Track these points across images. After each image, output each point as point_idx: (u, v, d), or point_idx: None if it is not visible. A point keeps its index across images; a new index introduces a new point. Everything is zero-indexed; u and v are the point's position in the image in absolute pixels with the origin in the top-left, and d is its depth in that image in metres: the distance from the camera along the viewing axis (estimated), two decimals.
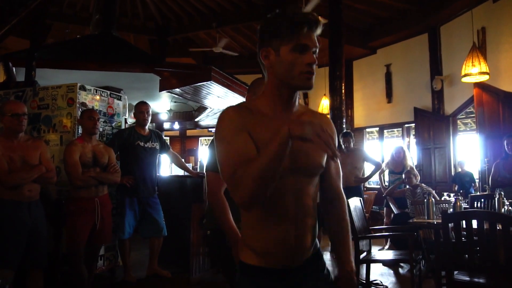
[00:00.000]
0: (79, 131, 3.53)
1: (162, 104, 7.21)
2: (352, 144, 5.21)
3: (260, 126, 1.17)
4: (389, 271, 4.39)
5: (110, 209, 3.41)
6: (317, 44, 1.20)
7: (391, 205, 5.39)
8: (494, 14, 6.37)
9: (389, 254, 3.89)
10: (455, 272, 2.71)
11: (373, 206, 7.13)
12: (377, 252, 3.97)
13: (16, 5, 4.19)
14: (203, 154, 12.08)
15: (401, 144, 6.68)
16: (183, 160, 4.52)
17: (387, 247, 5.19)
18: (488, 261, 2.59)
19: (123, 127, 4.18)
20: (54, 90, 3.73)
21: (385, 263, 4.38)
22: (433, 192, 4.64)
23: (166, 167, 7.75)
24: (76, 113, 3.59)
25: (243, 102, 1.32)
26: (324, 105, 8.47)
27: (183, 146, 11.92)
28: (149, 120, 3.95)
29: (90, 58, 4.93)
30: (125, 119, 4.37)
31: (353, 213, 3.60)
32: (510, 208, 3.37)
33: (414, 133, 8.23)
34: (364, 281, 3.64)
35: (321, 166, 1.25)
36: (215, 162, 1.68)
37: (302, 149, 1.18)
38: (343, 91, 6.19)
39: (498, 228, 2.57)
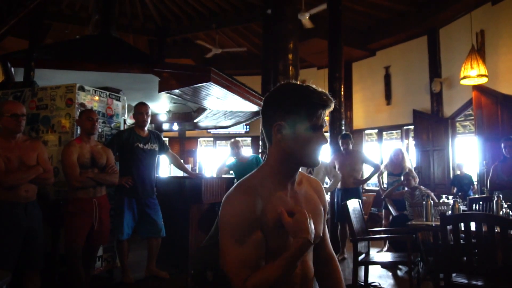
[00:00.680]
0: (78, 132, 3.52)
1: (161, 105, 7.20)
2: (351, 146, 5.21)
3: (271, 208, 1.15)
4: (387, 273, 4.38)
5: (109, 210, 3.40)
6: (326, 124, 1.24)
7: (390, 207, 5.39)
8: (493, 16, 6.39)
9: (387, 256, 3.89)
10: (453, 275, 2.71)
11: (372, 208, 7.14)
12: (375, 254, 3.96)
13: (15, 5, 4.18)
14: (202, 155, 12.08)
15: (400, 146, 6.69)
16: (182, 161, 4.52)
17: (385, 249, 5.19)
18: (486, 264, 2.59)
19: (122, 128, 4.17)
20: (53, 90, 3.73)
21: (384, 265, 4.37)
22: (432, 194, 4.64)
23: (165, 168, 7.75)
24: (75, 114, 3.58)
25: (248, 181, 1.21)
26: None
27: (182, 147, 11.91)
28: (148, 121, 3.95)
29: (89, 58, 4.92)
30: (124, 120, 4.36)
31: (352, 215, 3.60)
32: (508, 210, 3.38)
33: (413, 135, 8.24)
34: (363, 283, 3.64)
35: (321, 238, 1.30)
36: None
37: None
38: (342, 93, 6.19)
39: (496, 230, 2.57)
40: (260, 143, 6.74)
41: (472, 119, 7.58)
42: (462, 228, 2.70)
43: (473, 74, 5.71)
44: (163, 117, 7.71)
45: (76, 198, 3.12)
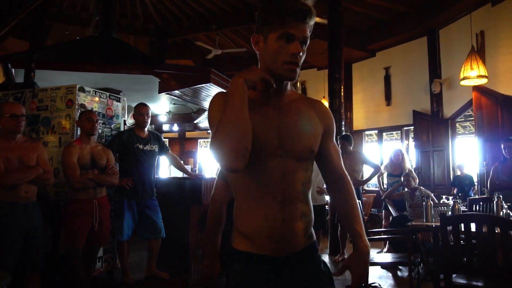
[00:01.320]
0: (78, 133, 3.53)
1: (161, 106, 7.21)
2: (351, 146, 5.21)
3: (252, 115, 1.15)
4: (387, 274, 4.38)
5: (109, 211, 3.41)
6: (307, 35, 1.17)
7: (390, 208, 5.39)
8: (492, 17, 6.39)
9: (387, 257, 3.89)
10: (454, 275, 2.71)
11: (372, 209, 7.13)
12: (375, 255, 3.96)
13: (16, 6, 4.19)
14: (202, 156, 12.08)
15: (399, 147, 6.69)
16: (182, 162, 4.52)
17: (385, 250, 5.18)
18: (487, 264, 2.59)
19: (122, 129, 4.17)
20: (53, 91, 3.73)
21: (384, 266, 4.37)
22: (432, 195, 4.64)
23: (165, 169, 7.75)
24: (75, 115, 3.58)
25: None
26: None
27: (182, 148, 11.91)
28: (149, 122, 3.95)
29: (90, 59, 4.93)
30: (124, 120, 4.37)
31: None
32: (508, 211, 3.38)
33: (413, 136, 8.24)
34: (363, 284, 3.63)
35: (310, 151, 1.25)
36: None
37: (290, 132, 1.20)
38: (342, 93, 6.19)
39: (496, 231, 2.57)
40: None
41: (472, 120, 7.58)
42: (462, 229, 2.70)
43: (473, 75, 5.71)
44: (163, 118, 7.72)
45: (76, 199, 3.13)
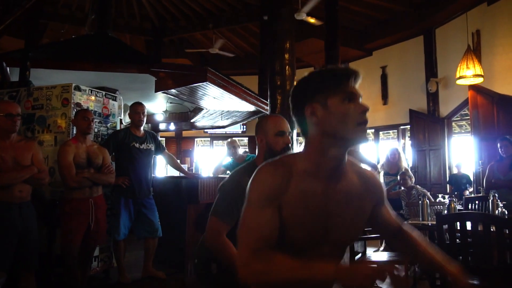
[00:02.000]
0: (74, 132, 3.51)
1: (158, 105, 7.18)
2: None
3: (298, 202, 1.09)
4: None
5: (105, 210, 3.39)
6: (361, 94, 1.14)
7: None
8: (488, 17, 6.42)
9: (384, 256, 3.89)
10: None
11: None
12: (372, 254, 3.97)
13: (11, 5, 4.16)
14: (199, 155, 12.07)
15: (396, 146, 6.70)
16: (178, 161, 4.51)
17: (382, 248, 5.20)
18: (482, 263, 2.60)
19: (118, 128, 4.16)
20: (49, 90, 3.71)
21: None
22: (428, 193, 4.65)
23: (162, 168, 7.73)
24: (71, 114, 3.56)
25: (285, 158, 1.17)
26: None
27: (178, 147, 11.90)
28: (145, 121, 3.93)
29: (86, 58, 4.90)
30: (120, 119, 4.36)
31: None
32: (504, 210, 3.39)
33: (409, 135, 8.27)
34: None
35: (357, 238, 1.25)
36: (224, 210, 1.61)
37: (338, 224, 1.15)
38: None
39: (492, 230, 2.58)
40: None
41: (468, 118, 7.61)
42: (458, 228, 2.71)
43: (469, 74, 5.73)
44: (159, 117, 7.69)
45: (72, 198, 3.11)
